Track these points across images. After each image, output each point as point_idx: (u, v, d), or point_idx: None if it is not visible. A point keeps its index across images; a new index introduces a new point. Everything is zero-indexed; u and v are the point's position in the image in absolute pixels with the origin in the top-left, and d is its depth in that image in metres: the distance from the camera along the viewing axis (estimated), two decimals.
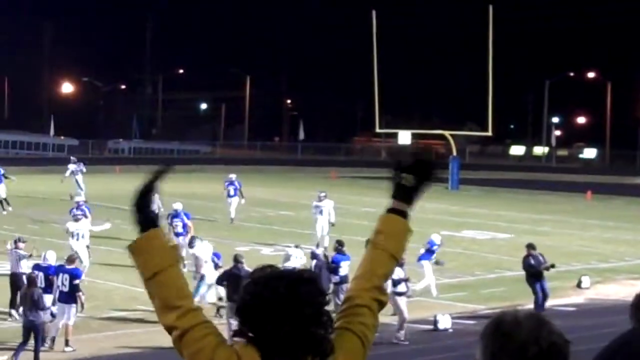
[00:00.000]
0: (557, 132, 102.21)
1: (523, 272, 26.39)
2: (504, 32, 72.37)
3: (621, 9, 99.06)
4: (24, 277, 21.20)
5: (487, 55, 62.08)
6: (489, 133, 66.08)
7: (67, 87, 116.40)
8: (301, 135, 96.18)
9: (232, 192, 40.56)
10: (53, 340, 20.28)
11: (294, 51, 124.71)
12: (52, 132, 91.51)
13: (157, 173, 3.44)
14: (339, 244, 23.90)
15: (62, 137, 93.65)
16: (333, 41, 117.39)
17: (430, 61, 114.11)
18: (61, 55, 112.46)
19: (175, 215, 30.78)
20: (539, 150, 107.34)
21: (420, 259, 26.05)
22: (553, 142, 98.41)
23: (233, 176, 41.60)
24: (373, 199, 54.32)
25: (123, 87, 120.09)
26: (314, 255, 24.04)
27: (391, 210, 3.71)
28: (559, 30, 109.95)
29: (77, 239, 27.66)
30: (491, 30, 62.29)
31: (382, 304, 3.48)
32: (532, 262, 24.36)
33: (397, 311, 21.24)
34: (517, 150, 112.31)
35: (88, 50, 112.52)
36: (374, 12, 65.24)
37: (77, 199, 34.19)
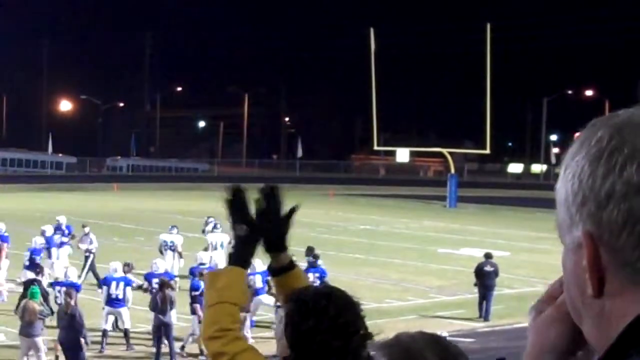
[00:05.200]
0: (556, 150, 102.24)
1: (522, 290, 26.42)
2: (502, 50, 72.54)
3: (619, 27, 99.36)
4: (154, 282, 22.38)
5: (485, 73, 62.17)
6: (487, 151, 66.09)
7: (65, 105, 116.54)
8: (299, 153, 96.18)
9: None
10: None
11: (292, 69, 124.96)
12: (50, 149, 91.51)
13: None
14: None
15: (61, 155, 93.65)
16: (331, 59, 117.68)
17: (428, 79, 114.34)
18: (59, 73, 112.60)
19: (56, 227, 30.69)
20: (537, 168, 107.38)
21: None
22: (552, 159, 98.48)
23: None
24: (371, 217, 54.37)
25: (121, 104, 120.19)
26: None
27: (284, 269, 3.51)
28: (557, 48, 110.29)
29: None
30: (489, 48, 62.41)
31: None
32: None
33: None
34: (515, 168, 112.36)
35: (86, 68, 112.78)
36: (372, 30, 65.35)
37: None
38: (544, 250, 40.22)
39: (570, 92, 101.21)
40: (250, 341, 21.85)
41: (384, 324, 23.70)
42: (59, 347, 19.96)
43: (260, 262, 24.05)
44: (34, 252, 27.13)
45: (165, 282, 21.57)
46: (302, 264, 25.56)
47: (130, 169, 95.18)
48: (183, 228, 32.65)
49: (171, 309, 20.99)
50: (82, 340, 19.28)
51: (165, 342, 20.88)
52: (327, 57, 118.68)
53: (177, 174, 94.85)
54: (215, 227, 31.67)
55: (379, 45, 66.57)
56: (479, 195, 73.07)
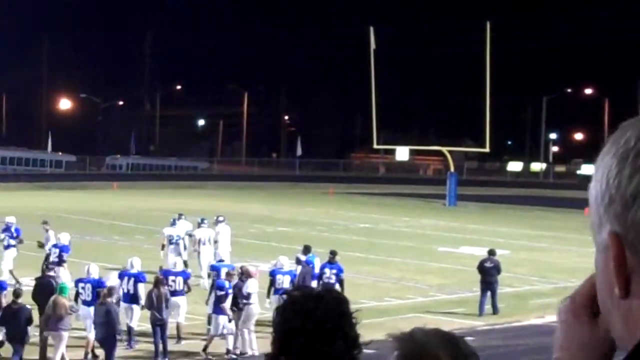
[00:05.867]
0: (555, 149, 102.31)
1: (521, 288, 26.42)
2: (501, 49, 72.54)
3: (618, 26, 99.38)
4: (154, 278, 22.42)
5: (485, 72, 62.17)
6: (487, 149, 66.11)
7: (65, 104, 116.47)
8: (299, 152, 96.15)
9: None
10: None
11: (292, 67, 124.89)
12: (49, 148, 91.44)
13: None
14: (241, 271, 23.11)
15: (60, 153, 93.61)
16: (331, 58, 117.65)
17: (428, 78, 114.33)
18: (59, 72, 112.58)
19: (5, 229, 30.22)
20: (537, 166, 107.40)
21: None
22: (552, 158, 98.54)
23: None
24: (371, 215, 54.38)
25: (121, 103, 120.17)
26: (298, 261, 24.36)
27: None
28: (556, 47, 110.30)
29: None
30: (489, 46, 62.41)
31: None
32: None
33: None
34: (514, 166, 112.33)
35: (86, 67, 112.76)
36: (371, 29, 65.35)
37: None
38: (543, 248, 40.26)
39: (569, 90, 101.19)
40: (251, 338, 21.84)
41: (383, 322, 23.70)
42: (91, 345, 20.22)
43: (287, 260, 24.10)
44: (62, 249, 27.28)
45: (160, 280, 21.60)
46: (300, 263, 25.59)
47: (129, 167, 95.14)
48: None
49: (167, 306, 20.99)
50: (117, 336, 19.61)
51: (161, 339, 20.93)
52: (327, 56, 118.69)
53: (176, 173, 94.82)
54: (202, 222, 31.85)
55: (379, 44, 66.55)
56: (479, 194, 73.07)
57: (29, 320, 19.48)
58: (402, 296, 28.59)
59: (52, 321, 19.59)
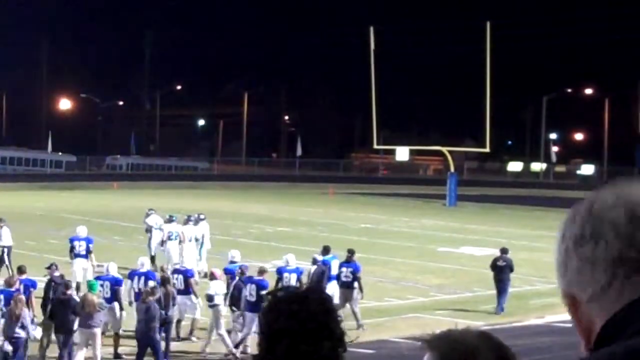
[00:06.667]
0: (555, 149, 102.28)
1: (521, 289, 26.35)
2: (501, 49, 72.52)
3: (619, 25, 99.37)
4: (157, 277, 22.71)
5: (485, 72, 62.17)
6: (487, 149, 66.10)
7: (65, 104, 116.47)
8: (299, 152, 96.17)
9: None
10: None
11: (292, 67, 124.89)
12: (49, 148, 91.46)
13: None
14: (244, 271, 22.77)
15: (60, 153, 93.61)
16: (331, 58, 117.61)
17: (428, 77, 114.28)
18: (59, 72, 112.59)
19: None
20: (537, 166, 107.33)
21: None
22: (553, 158, 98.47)
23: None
24: (371, 215, 54.39)
25: (121, 103, 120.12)
26: (314, 261, 24.45)
27: None
28: (556, 47, 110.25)
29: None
30: (489, 46, 62.40)
31: None
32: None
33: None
34: (514, 166, 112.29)
35: (86, 67, 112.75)
36: (371, 29, 65.35)
37: None
38: (543, 248, 40.20)
39: (569, 90, 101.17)
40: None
41: (383, 322, 23.72)
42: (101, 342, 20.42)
43: (293, 257, 24.05)
44: (87, 240, 27.69)
45: (167, 278, 21.77)
46: (307, 262, 25.58)
47: (130, 167, 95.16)
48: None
49: (173, 305, 21.15)
50: (156, 334, 19.87)
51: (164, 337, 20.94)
52: (327, 56, 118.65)
53: (176, 173, 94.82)
54: (189, 219, 31.99)
55: (379, 44, 66.56)
56: (479, 194, 73.08)
57: (76, 311, 19.87)
58: (402, 296, 28.58)
59: (82, 318, 19.88)
